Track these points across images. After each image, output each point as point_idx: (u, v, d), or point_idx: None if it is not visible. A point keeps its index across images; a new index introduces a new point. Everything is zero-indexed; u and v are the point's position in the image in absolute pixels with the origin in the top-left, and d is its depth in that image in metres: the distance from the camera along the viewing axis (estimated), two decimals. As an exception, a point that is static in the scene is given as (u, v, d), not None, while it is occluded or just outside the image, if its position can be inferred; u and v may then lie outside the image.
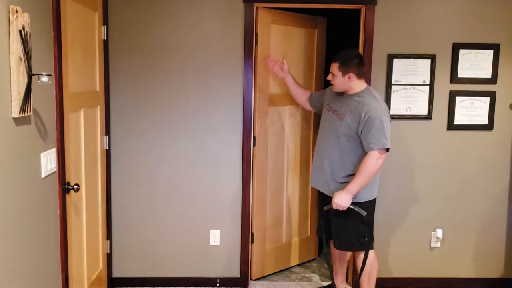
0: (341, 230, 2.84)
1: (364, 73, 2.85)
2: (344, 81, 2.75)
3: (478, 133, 3.30)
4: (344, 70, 2.72)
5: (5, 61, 1.70)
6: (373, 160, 2.64)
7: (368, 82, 3.05)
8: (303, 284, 3.45)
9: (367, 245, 2.84)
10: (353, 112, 2.70)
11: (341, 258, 3.14)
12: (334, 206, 2.70)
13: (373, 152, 2.64)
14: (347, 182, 2.74)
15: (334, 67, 2.76)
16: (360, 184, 2.66)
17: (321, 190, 2.95)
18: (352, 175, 2.75)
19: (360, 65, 2.75)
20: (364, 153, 2.70)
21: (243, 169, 3.27)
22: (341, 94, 2.86)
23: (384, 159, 2.67)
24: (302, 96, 3.21)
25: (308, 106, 3.21)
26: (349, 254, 3.14)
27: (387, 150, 2.68)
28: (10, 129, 1.76)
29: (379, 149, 2.63)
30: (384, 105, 2.76)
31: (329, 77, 2.82)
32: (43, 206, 2.08)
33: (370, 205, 2.81)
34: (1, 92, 1.68)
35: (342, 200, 2.66)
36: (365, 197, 2.76)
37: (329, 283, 3.34)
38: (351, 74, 2.72)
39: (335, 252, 3.11)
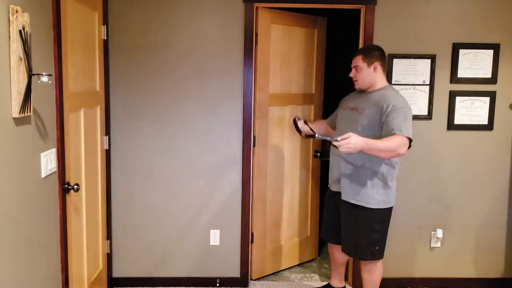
0: (351, 236, 2.76)
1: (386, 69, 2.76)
2: (370, 72, 2.67)
3: (478, 133, 3.30)
4: (369, 60, 2.67)
5: (5, 61, 1.70)
6: (399, 142, 2.41)
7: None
8: (303, 284, 3.45)
9: (377, 255, 2.75)
10: (376, 105, 2.61)
11: (341, 260, 3.10)
12: (341, 143, 2.30)
13: (401, 136, 2.43)
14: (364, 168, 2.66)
15: (358, 60, 2.70)
16: (376, 147, 2.39)
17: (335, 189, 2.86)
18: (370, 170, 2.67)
19: (383, 57, 2.71)
20: None
21: (243, 169, 3.27)
22: (359, 93, 2.80)
23: (406, 151, 2.46)
24: (325, 128, 3.13)
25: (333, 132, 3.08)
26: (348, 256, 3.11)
27: (409, 145, 2.50)
28: (10, 129, 1.76)
29: (404, 137, 2.45)
30: (406, 100, 2.65)
31: (352, 73, 2.74)
32: (43, 206, 2.08)
33: (385, 213, 2.71)
34: (1, 92, 1.68)
35: (354, 142, 2.31)
36: (380, 204, 2.66)
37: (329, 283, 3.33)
38: (377, 64, 2.67)
39: (335, 254, 3.09)
